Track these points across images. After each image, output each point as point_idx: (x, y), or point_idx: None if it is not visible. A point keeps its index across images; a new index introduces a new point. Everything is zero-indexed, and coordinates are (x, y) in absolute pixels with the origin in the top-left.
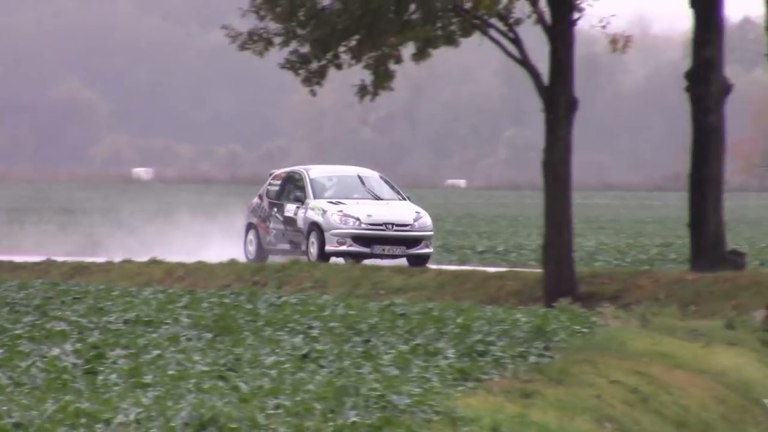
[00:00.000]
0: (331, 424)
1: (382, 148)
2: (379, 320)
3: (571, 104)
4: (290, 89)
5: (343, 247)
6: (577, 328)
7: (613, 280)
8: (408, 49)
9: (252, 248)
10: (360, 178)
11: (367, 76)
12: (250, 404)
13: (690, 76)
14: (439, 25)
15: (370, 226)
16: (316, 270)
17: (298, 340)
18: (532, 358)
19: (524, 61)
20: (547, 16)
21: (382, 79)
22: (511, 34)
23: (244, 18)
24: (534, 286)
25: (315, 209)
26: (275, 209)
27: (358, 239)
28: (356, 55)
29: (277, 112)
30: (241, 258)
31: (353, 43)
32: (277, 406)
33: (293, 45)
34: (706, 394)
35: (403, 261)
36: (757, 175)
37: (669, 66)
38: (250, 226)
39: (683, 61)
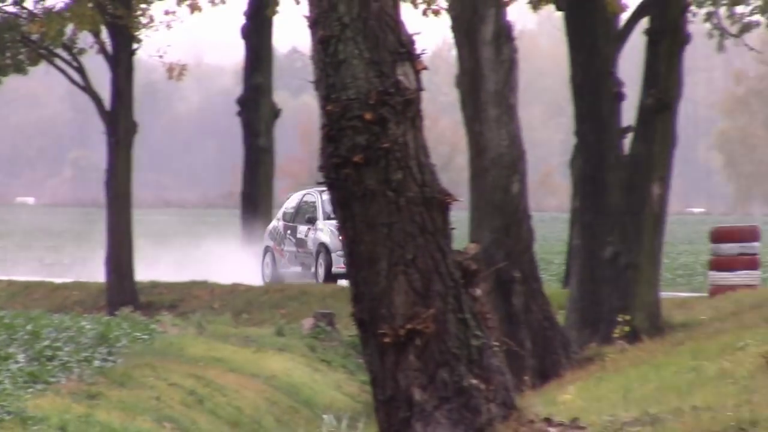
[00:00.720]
0: None
1: None
2: None
3: (131, 128)
4: None
5: None
6: (138, 334)
7: (172, 291)
8: None
9: (268, 271)
10: None
11: None
12: None
13: (241, 101)
14: (8, 54)
15: None
16: None
17: None
18: (97, 363)
19: (87, 88)
20: (109, 47)
21: None
22: (75, 63)
23: None
24: (98, 296)
25: (324, 230)
26: (289, 231)
27: None
28: None
29: None
30: None
31: None
32: None
33: None
34: (258, 396)
35: None
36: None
37: (222, 92)
38: (267, 249)
39: (235, 88)
